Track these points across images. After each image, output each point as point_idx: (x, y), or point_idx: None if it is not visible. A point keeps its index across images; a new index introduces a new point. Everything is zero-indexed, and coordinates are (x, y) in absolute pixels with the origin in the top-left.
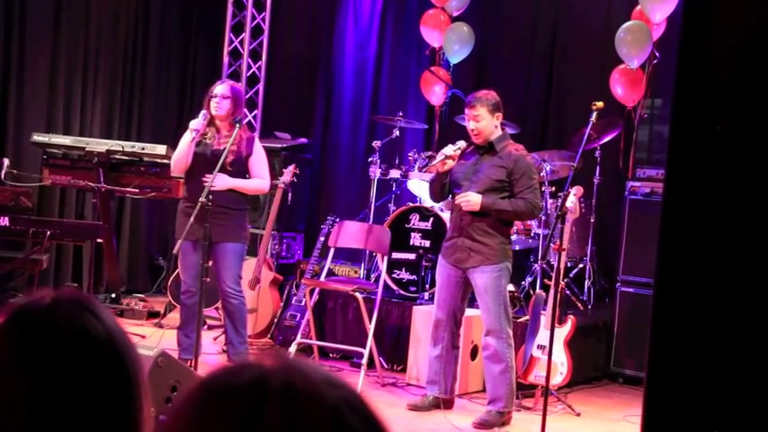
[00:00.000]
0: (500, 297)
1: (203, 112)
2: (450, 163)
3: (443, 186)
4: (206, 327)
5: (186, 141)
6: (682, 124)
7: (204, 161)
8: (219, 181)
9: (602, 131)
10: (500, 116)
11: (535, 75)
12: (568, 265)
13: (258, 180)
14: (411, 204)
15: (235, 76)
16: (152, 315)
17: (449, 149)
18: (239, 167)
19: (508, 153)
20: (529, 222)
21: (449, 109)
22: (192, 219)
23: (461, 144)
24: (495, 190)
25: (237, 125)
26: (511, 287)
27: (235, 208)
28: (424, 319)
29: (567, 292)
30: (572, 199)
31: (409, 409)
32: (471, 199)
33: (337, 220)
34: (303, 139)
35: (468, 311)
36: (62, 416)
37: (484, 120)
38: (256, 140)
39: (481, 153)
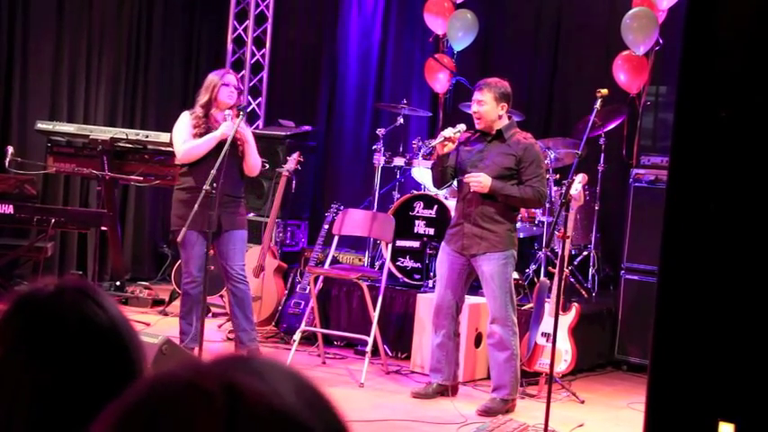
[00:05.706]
0: (506, 284)
1: (231, 113)
2: (450, 146)
3: (444, 171)
4: (210, 314)
5: (211, 138)
6: (686, 111)
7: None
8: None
9: (607, 119)
10: (505, 106)
11: (539, 62)
12: (573, 252)
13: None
14: (415, 192)
15: (239, 63)
16: (156, 303)
17: (448, 131)
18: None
19: (517, 141)
20: (533, 210)
21: (453, 96)
22: (196, 207)
23: (461, 127)
24: (503, 177)
25: (242, 113)
26: (515, 275)
27: (239, 196)
28: (428, 306)
29: (572, 279)
30: (576, 186)
31: (413, 396)
32: (482, 180)
33: (341, 207)
34: (307, 127)
35: (473, 299)
36: (66, 404)
37: (487, 105)
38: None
39: (488, 140)
